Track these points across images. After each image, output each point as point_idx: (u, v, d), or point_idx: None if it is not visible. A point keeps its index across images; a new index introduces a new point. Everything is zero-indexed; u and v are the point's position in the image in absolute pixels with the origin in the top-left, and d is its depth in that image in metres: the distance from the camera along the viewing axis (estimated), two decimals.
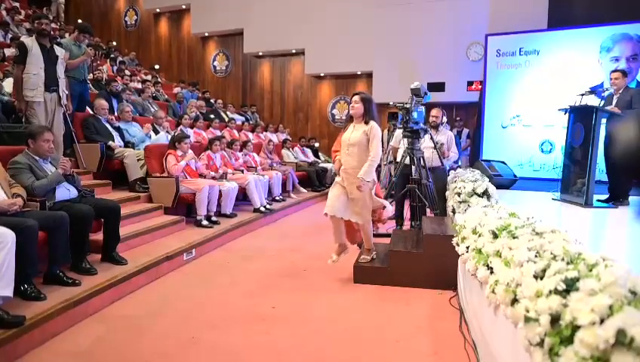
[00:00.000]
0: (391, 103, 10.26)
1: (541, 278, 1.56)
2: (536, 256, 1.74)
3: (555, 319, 1.32)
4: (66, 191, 3.58)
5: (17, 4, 12.56)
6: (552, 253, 1.68)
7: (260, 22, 11.91)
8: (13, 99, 5.04)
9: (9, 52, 7.64)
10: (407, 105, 4.85)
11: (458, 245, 2.81)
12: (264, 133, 10.06)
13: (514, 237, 2.07)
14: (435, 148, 5.23)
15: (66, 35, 8.76)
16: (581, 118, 4.84)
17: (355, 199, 3.76)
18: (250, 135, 9.29)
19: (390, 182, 5.49)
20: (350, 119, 3.88)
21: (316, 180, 9.23)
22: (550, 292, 1.41)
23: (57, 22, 13.25)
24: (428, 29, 9.96)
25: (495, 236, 2.27)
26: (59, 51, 4.95)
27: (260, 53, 12.61)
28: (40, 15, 5.45)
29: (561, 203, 5.04)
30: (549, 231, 1.99)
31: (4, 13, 10.84)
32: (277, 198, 7.35)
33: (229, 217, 5.80)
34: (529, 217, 2.41)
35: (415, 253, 3.88)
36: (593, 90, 4.95)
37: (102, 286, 3.26)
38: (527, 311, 1.46)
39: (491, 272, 2.04)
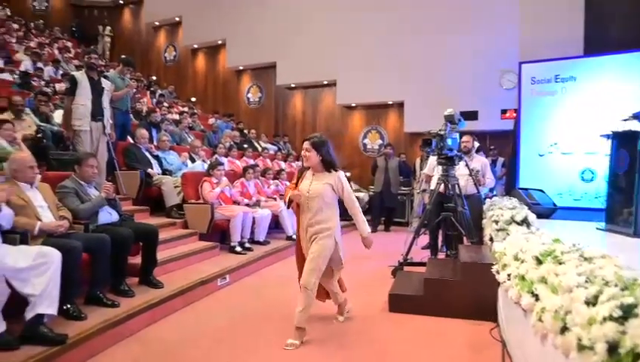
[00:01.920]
0: (424, 131, 10.26)
1: (593, 305, 1.48)
2: (586, 281, 1.67)
3: (612, 347, 1.25)
4: (108, 215, 3.70)
5: (70, 44, 13.40)
6: (603, 279, 1.60)
7: (292, 55, 12.23)
8: (63, 129, 5.31)
9: (59, 87, 8.11)
10: (442, 132, 4.83)
11: (498, 273, 2.72)
12: (296, 162, 10.16)
13: (560, 263, 1.99)
14: (470, 175, 5.14)
15: (111, 70, 9.26)
16: (625, 143, 4.67)
17: (311, 255, 3.13)
18: (282, 164, 9.41)
19: (424, 210, 5.42)
20: (306, 169, 3.30)
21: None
22: (605, 319, 1.34)
23: (103, 59, 14.00)
24: (459, 58, 9.97)
25: (539, 262, 2.18)
26: (105, 83, 5.21)
27: (293, 85, 12.89)
28: (90, 50, 5.79)
29: (607, 233, 4.83)
30: (598, 257, 1.90)
31: (56, 52, 11.58)
32: None
33: (262, 244, 5.83)
34: (574, 244, 2.31)
35: (452, 281, 3.78)
36: (637, 116, 4.78)
37: (139, 308, 3.32)
38: (580, 340, 1.39)
39: (537, 299, 1.96)
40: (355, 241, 4.26)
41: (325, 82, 12.21)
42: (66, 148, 5.28)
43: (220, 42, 14.13)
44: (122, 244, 3.47)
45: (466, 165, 5.12)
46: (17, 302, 2.59)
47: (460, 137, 5.32)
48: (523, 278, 2.22)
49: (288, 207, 3.37)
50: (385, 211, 9.00)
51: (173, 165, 6.21)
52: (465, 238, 5.03)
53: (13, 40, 11.59)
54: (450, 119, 4.88)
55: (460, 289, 3.69)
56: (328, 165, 3.16)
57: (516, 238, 2.79)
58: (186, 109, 11.45)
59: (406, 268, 4.95)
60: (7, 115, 5.00)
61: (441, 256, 5.41)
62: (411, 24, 10.56)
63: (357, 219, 3.27)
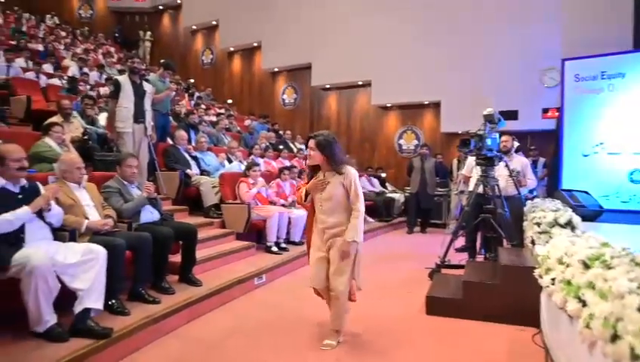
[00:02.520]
0: (461, 131, 10.06)
1: None
2: (638, 287, 1.59)
3: None
4: (149, 214, 3.81)
5: (112, 49, 13.92)
6: None
7: (327, 56, 12.25)
8: (107, 131, 5.52)
9: (104, 90, 8.43)
10: (481, 132, 4.72)
11: (541, 277, 2.63)
12: None
13: (609, 268, 1.91)
14: (510, 176, 5.00)
15: (150, 73, 9.54)
16: None
17: (339, 264, 2.99)
18: None
19: (461, 212, 5.31)
20: (314, 168, 3.10)
21: (383, 210, 9.14)
22: None
23: (144, 62, 14.46)
24: (498, 56, 9.73)
25: (586, 266, 2.10)
26: (147, 87, 5.38)
27: (327, 86, 12.92)
28: (132, 55, 6.01)
29: None
30: None
31: (100, 57, 12.05)
32: None
33: (297, 244, 5.86)
34: (624, 248, 2.21)
35: (491, 284, 3.69)
36: None
37: (179, 305, 3.40)
38: (634, 349, 1.32)
39: (584, 305, 1.88)
40: (391, 242, 4.28)
41: (360, 82, 12.17)
42: (110, 149, 5.50)
43: (255, 44, 14.35)
44: (163, 243, 3.57)
45: (506, 166, 4.98)
46: (66, 296, 2.71)
47: (499, 137, 5.19)
48: (569, 283, 2.15)
49: (305, 201, 3.09)
50: (421, 212, 8.88)
51: (210, 166, 6.34)
52: (504, 241, 4.90)
53: (62, 47, 12.14)
54: (489, 119, 4.77)
55: (499, 292, 3.60)
56: (335, 165, 2.95)
57: (560, 241, 2.69)
58: (222, 111, 11.67)
59: (443, 271, 4.86)
60: (56, 118, 5.24)
61: (480, 258, 5.28)
62: (448, 22, 10.38)
63: (353, 220, 2.93)
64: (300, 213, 5.93)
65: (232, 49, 15.18)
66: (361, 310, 3.92)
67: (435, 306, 3.81)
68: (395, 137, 12.00)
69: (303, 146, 10.40)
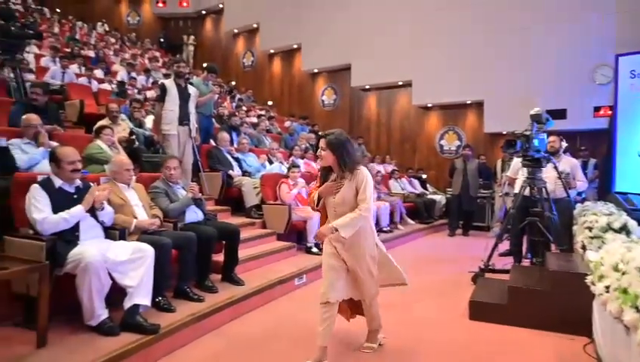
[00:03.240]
0: (505, 131, 9.77)
1: None
2: None
3: None
4: (194, 214, 3.92)
5: (158, 54, 14.41)
6: None
7: (366, 56, 12.20)
8: (153, 133, 5.71)
9: (150, 94, 8.75)
10: (527, 133, 4.56)
11: (594, 284, 2.52)
12: (371, 164, 10.11)
13: None
14: (559, 177, 4.81)
15: (194, 76, 9.82)
16: None
17: (361, 276, 2.80)
18: None
19: (506, 214, 5.15)
20: (327, 169, 2.82)
21: (424, 212, 9.00)
22: None
23: (187, 66, 14.90)
24: (544, 53, 9.38)
25: None
26: (191, 90, 5.53)
27: (367, 87, 12.86)
28: (178, 59, 6.20)
29: None
30: None
31: (146, 61, 12.50)
32: (384, 229, 7.29)
33: None
34: None
35: (539, 290, 3.55)
36: None
37: (222, 304, 3.47)
38: None
39: None
40: (432, 244, 4.20)
41: (400, 83, 12.05)
42: (156, 151, 5.69)
43: (295, 46, 14.49)
44: (207, 242, 3.65)
45: (555, 167, 4.79)
46: (117, 292, 2.83)
47: (547, 137, 5.00)
48: (625, 291, 2.05)
49: (317, 206, 2.86)
50: (463, 215, 8.67)
51: (252, 167, 6.45)
52: (552, 245, 4.71)
53: (111, 52, 12.69)
54: (536, 118, 4.60)
55: (547, 299, 3.46)
56: (348, 166, 2.67)
57: (615, 247, 2.56)
58: (263, 113, 11.84)
59: (487, 275, 4.73)
60: (105, 121, 5.48)
61: (526, 263, 5.11)
62: (490, 20, 10.11)
63: (350, 213, 2.64)
64: None
65: (272, 51, 15.38)
66: (401, 313, 3.88)
67: (479, 311, 3.71)
68: (437, 138, 11.79)
69: None
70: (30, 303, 2.72)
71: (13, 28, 5.45)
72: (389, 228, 7.43)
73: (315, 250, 5.45)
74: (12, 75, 5.51)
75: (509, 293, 3.65)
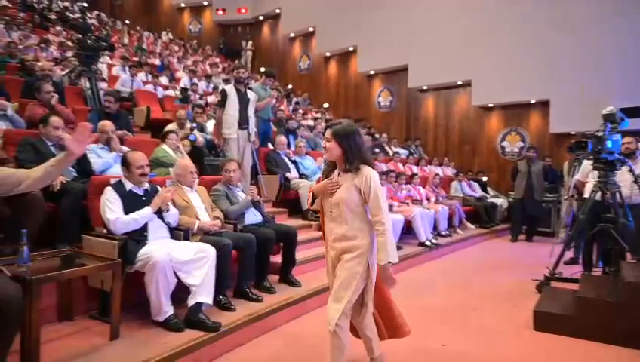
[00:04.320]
0: (573, 132, 9.25)
1: None
2: None
3: None
4: (253, 216, 4.03)
5: (217, 60, 14.95)
6: None
7: (424, 57, 11.98)
8: (214, 137, 5.93)
9: (210, 99, 9.09)
10: (600, 133, 4.28)
11: None
12: (428, 166, 9.92)
13: None
14: (635, 181, 4.47)
15: (252, 81, 10.09)
16: None
17: (338, 288, 2.34)
18: (414, 168, 9.26)
19: (574, 219, 4.85)
20: (332, 164, 2.51)
21: (485, 216, 8.69)
22: None
23: (246, 71, 15.34)
24: (620, 48, 8.76)
25: None
26: (250, 95, 5.69)
27: (424, 87, 12.63)
28: (238, 66, 6.39)
29: None
30: None
31: (207, 67, 13.00)
32: (443, 233, 7.12)
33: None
34: None
35: (611, 302, 3.33)
36: None
37: (280, 304, 3.54)
38: None
39: None
40: (492, 250, 4.03)
41: (459, 83, 11.72)
42: (217, 154, 5.89)
43: (351, 48, 14.50)
44: (265, 244, 3.74)
45: (630, 170, 4.46)
46: (182, 290, 2.96)
47: (622, 138, 4.67)
48: None
49: (312, 205, 2.58)
50: (527, 220, 8.29)
51: (309, 170, 6.52)
52: (627, 254, 4.39)
53: (175, 60, 13.32)
54: (610, 118, 4.31)
55: (621, 312, 3.24)
56: (353, 161, 2.33)
57: None
58: (319, 115, 11.95)
59: (553, 284, 4.49)
60: (172, 126, 5.76)
61: (597, 272, 4.79)
62: (556, 14, 9.60)
63: (379, 238, 2.28)
64: (396, 218, 5.87)
65: (328, 54, 15.48)
66: (459, 321, 3.77)
67: (544, 322, 3.53)
68: (498, 139, 11.34)
69: (400, 149, 10.28)
70: (104, 297, 2.92)
71: (89, 41, 5.87)
72: (447, 233, 7.25)
73: None
74: (88, 85, 5.93)
75: (579, 304, 3.44)
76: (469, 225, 8.28)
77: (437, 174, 8.68)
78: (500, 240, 8.37)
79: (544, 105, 10.23)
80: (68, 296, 2.94)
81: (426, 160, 10.15)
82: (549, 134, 10.20)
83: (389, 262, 2.24)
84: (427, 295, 4.57)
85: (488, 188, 10.27)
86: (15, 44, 7.68)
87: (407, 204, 6.76)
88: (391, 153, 9.65)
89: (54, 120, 3.70)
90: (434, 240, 6.47)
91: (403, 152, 10.26)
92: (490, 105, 11.30)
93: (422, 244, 6.25)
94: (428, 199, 7.53)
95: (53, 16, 12.34)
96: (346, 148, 2.32)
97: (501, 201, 9.47)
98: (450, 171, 10.59)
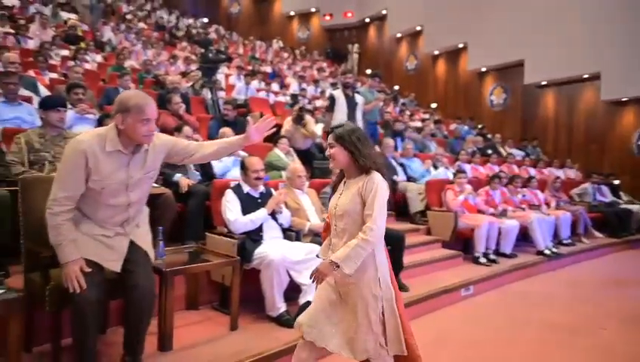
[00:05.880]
0: None
1: None
2: None
3: None
4: None
5: (324, 65, 15.36)
6: None
7: (542, 50, 11.09)
8: (323, 141, 6.10)
9: (318, 103, 9.36)
10: None
11: None
12: (548, 168, 9.15)
13: None
14: None
15: (358, 83, 10.18)
16: None
17: (355, 316, 1.98)
18: (531, 171, 8.60)
19: None
20: (341, 175, 2.23)
21: (616, 224, 7.74)
22: None
23: (352, 75, 15.53)
24: None
25: None
26: (358, 98, 5.77)
27: (543, 83, 11.67)
28: (346, 71, 6.52)
29: None
30: None
31: (315, 72, 13.42)
32: (565, 242, 6.51)
33: (508, 257, 5.45)
34: None
35: None
36: None
37: None
38: None
39: None
40: (625, 263, 3.56)
41: (586, 76, 10.64)
42: (326, 158, 6.04)
43: (460, 45, 13.96)
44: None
45: None
46: (293, 289, 3.11)
47: None
48: None
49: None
50: None
51: (416, 172, 6.41)
52: None
53: (285, 67, 13.94)
54: None
55: None
56: (365, 162, 2.02)
57: None
58: (427, 116, 11.66)
59: None
60: (285, 131, 6.04)
61: None
62: None
63: (353, 241, 1.94)
64: (511, 224, 5.52)
65: (436, 52, 15.06)
66: (583, 340, 3.42)
67: None
68: (634, 137, 10.08)
69: (514, 151, 9.63)
70: (224, 291, 3.17)
71: (210, 55, 6.42)
72: (570, 241, 6.61)
73: (483, 260, 5.16)
74: (209, 95, 6.48)
75: None
76: (597, 233, 7.45)
77: (557, 177, 7.96)
78: (634, 253, 7.39)
79: None
80: (194, 288, 3.25)
81: (544, 161, 9.37)
82: None
83: (338, 266, 1.92)
84: (546, 309, 4.22)
85: (621, 193, 9.15)
86: (150, 60, 8.65)
87: (524, 208, 6.31)
88: (505, 154, 9.07)
89: (186, 129, 4.17)
90: (554, 249, 5.95)
91: (518, 153, 9.58)
92: (624, 99, 10.09)
93: (540, 253, 5.78)
94: (547, 204, 6.94)
95: (180, 34, 13.67)
96: (353, 150, 2.04)
97: (637, 208, 8.38)
98: (573, 173, 9.65)
